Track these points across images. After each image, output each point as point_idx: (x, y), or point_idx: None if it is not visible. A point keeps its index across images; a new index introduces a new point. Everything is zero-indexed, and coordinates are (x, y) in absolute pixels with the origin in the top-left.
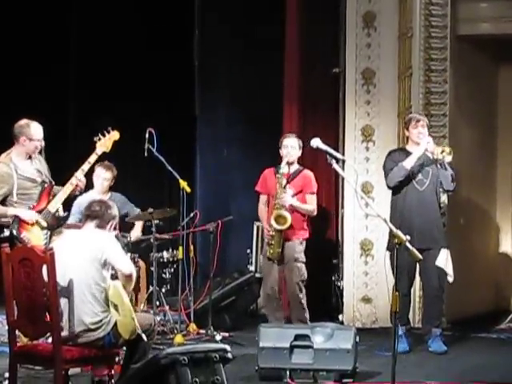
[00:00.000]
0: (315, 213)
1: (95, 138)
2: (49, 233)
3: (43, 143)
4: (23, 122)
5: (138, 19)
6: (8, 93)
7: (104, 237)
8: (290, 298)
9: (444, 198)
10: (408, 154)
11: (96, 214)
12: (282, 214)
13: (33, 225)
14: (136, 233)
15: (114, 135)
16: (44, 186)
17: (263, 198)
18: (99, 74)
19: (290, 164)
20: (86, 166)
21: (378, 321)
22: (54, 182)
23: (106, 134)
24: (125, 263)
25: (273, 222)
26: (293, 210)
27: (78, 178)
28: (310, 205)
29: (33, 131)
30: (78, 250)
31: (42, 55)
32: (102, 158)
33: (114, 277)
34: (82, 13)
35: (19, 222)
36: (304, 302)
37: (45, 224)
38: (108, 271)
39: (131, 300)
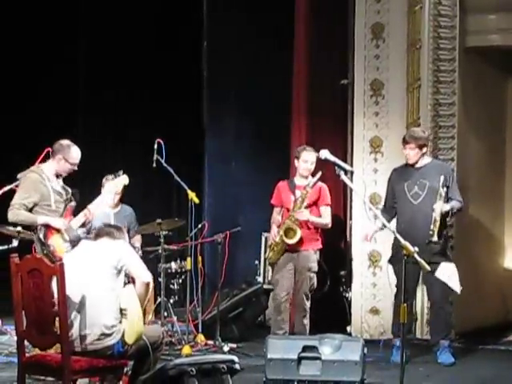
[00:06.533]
0: (330, 225)
1: (109, 177)
2: (70, 247)
3: (76, 168)
4: (65, 142)
5: (147, 31)
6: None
7: (120, 245)
8: (296, 305)
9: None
10: (408, 167)
11: (106, 232)
12: (294, 227)
13: (59, 233)
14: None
15: (124, 179)
16: (68, 204)
17: (277, 210)
18: (108, 87)
19: (305, 177)
20: (98, 200)
21: (385, 332)
22: (75, 203)
23: (117, 176)
24: (143, 271)
25: (282, 233)
26: (306, 223)
27: (91, 211)
28: (325, 218)
29: (72, 154)
30: (93, 257)
31: (49, 72)
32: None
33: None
34: (90, 26)
35: (47, 228)
36: (307, 311)
37: (67, 238)
38: (122, 278)
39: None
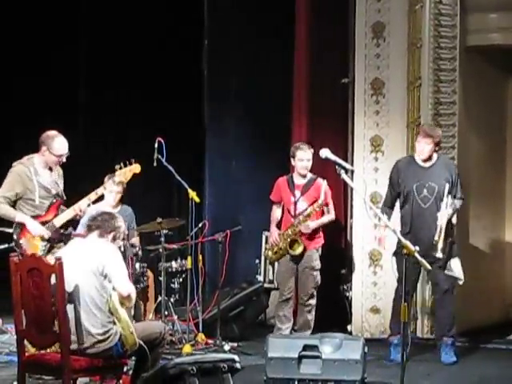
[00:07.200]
0: (334, 217)
1: (116, 166)
2: (48, 245)
3: (64, 159)
4: (51, 133)
5: (148, 31)
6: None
7: (107, 249)
8: (300, 303)
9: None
10: (415, 163)
11: (97, 225)
12: (298, 239)
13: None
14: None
15: (135, 168)
16: (55, 199)
17: (277, 205)
18: (108, 87)
19: (303, 175)
20: (92, 196)
21: (386, 331)
22: (65, 198)
23: (128, 165)
24: (123, 283)
25: (287, 245)
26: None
27: (81, 207)
28: (330, 215)
29: (55, 145)
30: (80, 260)
31: (49, 72)
32: (111, 170)
33: None
34: (90, 26)
35: (22, 227)
36: (313, 308)
37: (47, 236)
38: (110, 282)
39: (139, 311)
